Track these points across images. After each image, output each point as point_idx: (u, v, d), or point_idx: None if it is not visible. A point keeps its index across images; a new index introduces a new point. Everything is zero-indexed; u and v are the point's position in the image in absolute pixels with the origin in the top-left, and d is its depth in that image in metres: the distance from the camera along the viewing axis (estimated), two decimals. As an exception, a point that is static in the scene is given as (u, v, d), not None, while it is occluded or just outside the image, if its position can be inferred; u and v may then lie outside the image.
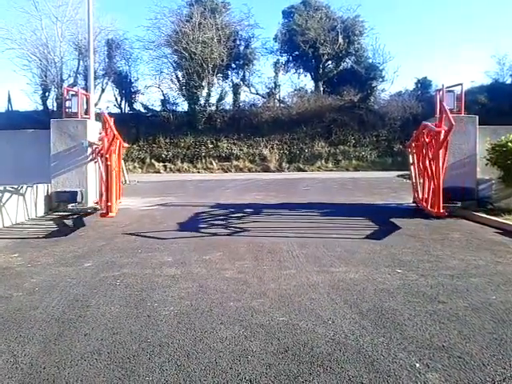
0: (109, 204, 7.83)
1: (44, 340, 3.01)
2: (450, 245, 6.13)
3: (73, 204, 9.71)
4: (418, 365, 2.60)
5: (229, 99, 32.79)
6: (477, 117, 9.58)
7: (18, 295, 3.99)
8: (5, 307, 3.66)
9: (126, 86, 32.53)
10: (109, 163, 7.84)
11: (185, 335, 3.07)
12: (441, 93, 9.83)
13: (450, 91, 9.86)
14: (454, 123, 7.34)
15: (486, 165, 9.03)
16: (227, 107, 32.44)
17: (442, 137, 7.71)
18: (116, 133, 7.58)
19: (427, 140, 8.76)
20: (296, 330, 3.13)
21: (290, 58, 34.49)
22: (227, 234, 7.15)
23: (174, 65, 31.63)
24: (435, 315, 3.40)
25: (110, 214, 7.83)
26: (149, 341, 2.98)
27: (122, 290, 4.13)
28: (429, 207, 8.46)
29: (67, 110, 10.28)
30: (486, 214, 8.27)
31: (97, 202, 10.06)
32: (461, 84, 9.89)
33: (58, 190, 9.83)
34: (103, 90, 32.25)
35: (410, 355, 2.72)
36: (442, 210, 7.71)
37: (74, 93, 10.63)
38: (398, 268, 4.83)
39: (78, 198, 9.74)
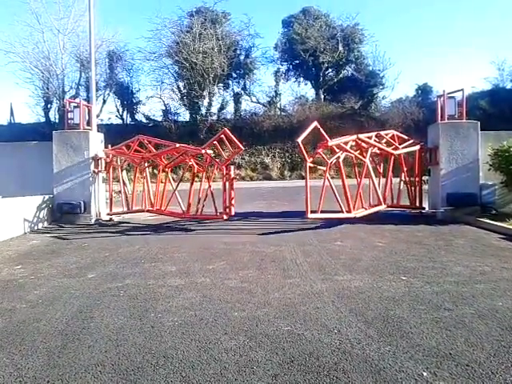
0: (231, 207, 9.40)
1: (48, 352, 2.99)
2: (454, 251, 6.09)
3: (77, 215, 9.83)
4: (425, 374, 2.57)
5: (230, 108, 32.97)
6: (478, 122, 9.55)
7: (22, 307, 3.97)
8: (8, 320, 3.65)
9: (127, 97, 32.70)
10: (231, 173, 9.56)
11: (189, 346, 3.05)
12: (442, 99, 9.85)
13: (451, 97, 9.87)
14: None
15: (489, 170, 9.00)
16: (228, 116, 32.51)
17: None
18: (241, 146, 9.42)
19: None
20: (301, 340, 3.10)
21: (291, 66, 34.60)
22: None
23: (175, 75, 31.80)
24: (441, 323, 3.37)
25: (225, 218, 9.17)
26: (153, 352, 2.96)
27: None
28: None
29: (69, 122, 10.33)
30: (490, 220, 8.23)
31: (149, 210, 10.17)
32: (462, 90, 9.86)
33: (61, 201, 9.86)
34: (105, 102, 32.43)
35: (417, 364, 2.69)
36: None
37: (75, 104, 10.67)
38: (402, 275, 4.80)
39: (81, 210, 9.79)
